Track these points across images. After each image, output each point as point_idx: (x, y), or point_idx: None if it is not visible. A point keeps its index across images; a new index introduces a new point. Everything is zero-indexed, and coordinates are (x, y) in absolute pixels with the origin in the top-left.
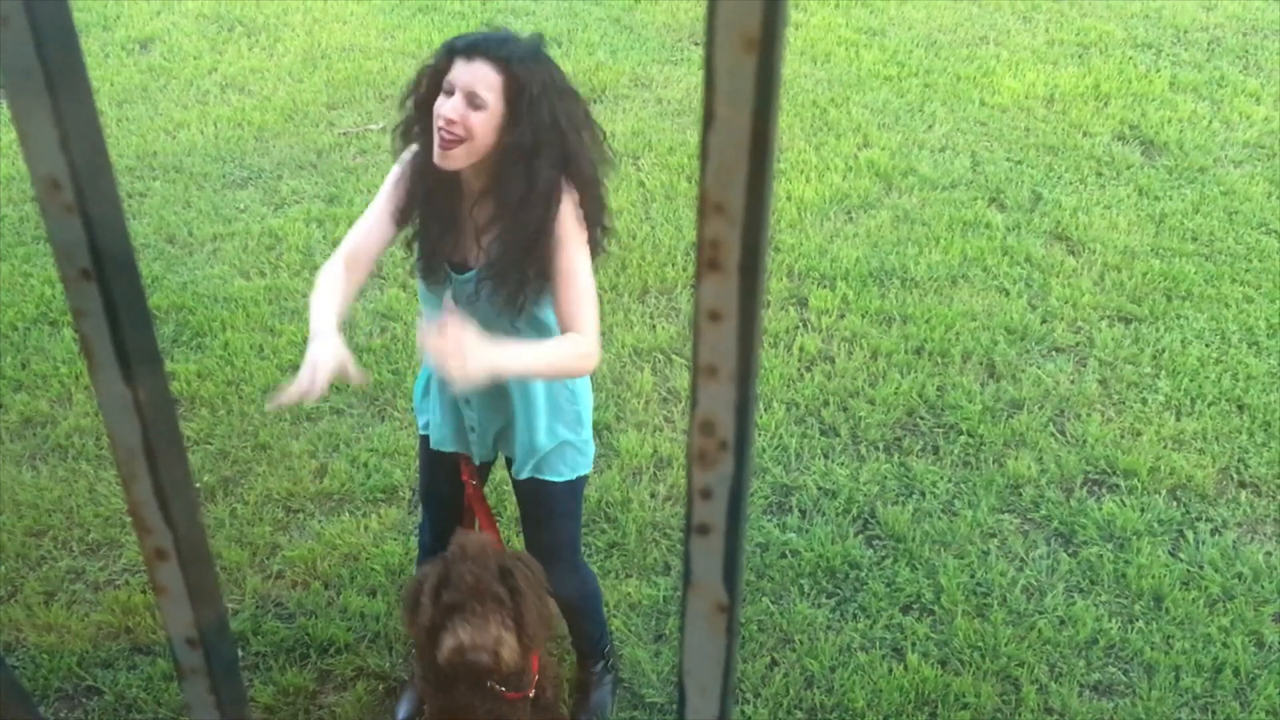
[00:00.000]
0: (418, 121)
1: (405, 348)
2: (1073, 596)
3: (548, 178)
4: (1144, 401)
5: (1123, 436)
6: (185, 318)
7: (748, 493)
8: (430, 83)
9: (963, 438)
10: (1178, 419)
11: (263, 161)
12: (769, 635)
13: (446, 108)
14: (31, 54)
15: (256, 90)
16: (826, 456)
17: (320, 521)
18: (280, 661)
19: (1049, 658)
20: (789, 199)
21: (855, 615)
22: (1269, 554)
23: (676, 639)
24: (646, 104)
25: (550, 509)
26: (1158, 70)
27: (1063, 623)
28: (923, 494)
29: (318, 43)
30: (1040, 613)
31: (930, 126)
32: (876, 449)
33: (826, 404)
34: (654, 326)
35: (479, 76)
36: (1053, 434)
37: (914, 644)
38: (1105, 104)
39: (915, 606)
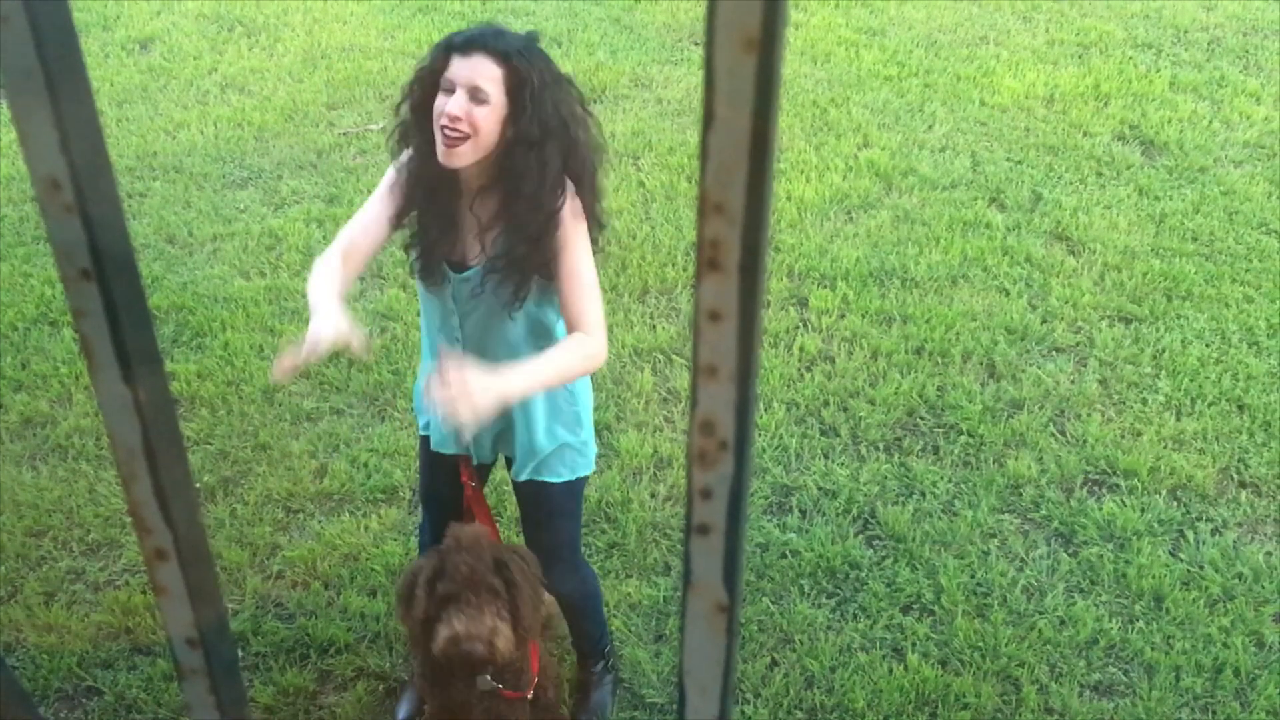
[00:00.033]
0: (415, 125)
1: (405, 348)
2: (1073, 597)
3: (556, 167)
4: (1144, 401)
5: (1123, 436)
6: (185, 318)
7: (748, 493)
8: (427, 83)
9: (963, 438)
10: (1178, 419)
11: (263, 162)
12: (769, 635)
13: (450, 105)
14: (31, 54)
15: (256, 90)
16: (827, 457)
17: (320, 522)
18: (280, 662)
19: (1049, 658)
20: (789, 199)
21: (855, 615)
22: (1269, 554)
23: (677, 639)
24: (646, 104)
25: (550, 510)
26: (1158, 70)
27: (1063, 623)
28: (923, 494)
29: (318, 43)
30: (1040, 613)
31: (930, 126)
32: (877, 449)
33: (827, 404)
34: (654, 326)
35: (480, 71)
36: (1053, 434)
37: (914, 644)
38: (1105, 104)
39: (915, 607)
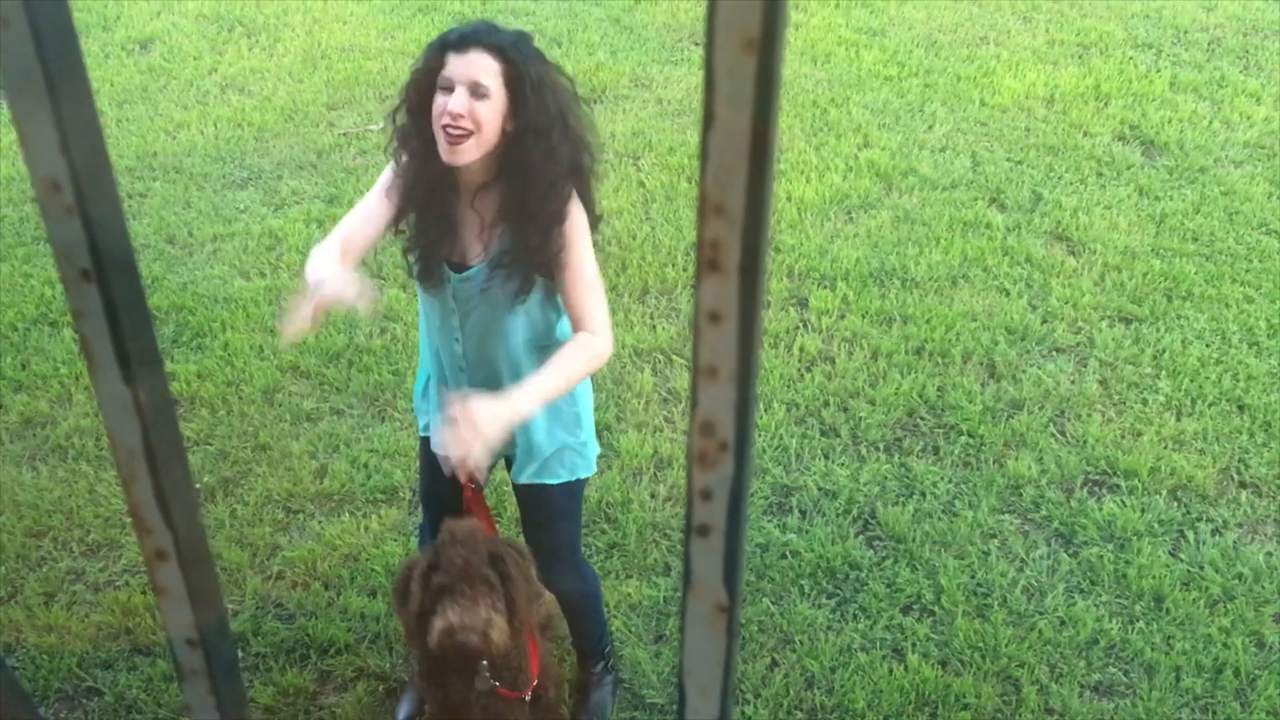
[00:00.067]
0: (414, 128)
1: (405, 348)
2: (1073, 597)
3: (564, 155)
4: (1144, 402)
5: (1123, 437)
6: (185, 318)
7: (748, 493)
8: (424, 84)
9: (963, 438)
10: (1178, 419)
11: (263, 162)
12: (769, 636)
13: (451, 103)
14: (31, 55)
15: (256, 91)
16: (827, 457)
17: (320, 522)
18: (280, 662)
19: (1049, 658)
20: (789, 199)
21: (855, 616)
22: (1269, 554)
23: (677, 639)
24: (646, 104)
25: (550, 511)
26: (1158, 70)
27: (1063, 623)
28: (923, 494)
29: (318, 43)
30: (1041, 613)
31: (930, 127)
32: (877, 449)
33: (827, 404)
34: (654, 327)
35: (479, 66)
36: (1053, 434)
37: (914, 644)
38: (1105, 104)
39: (915, 607)
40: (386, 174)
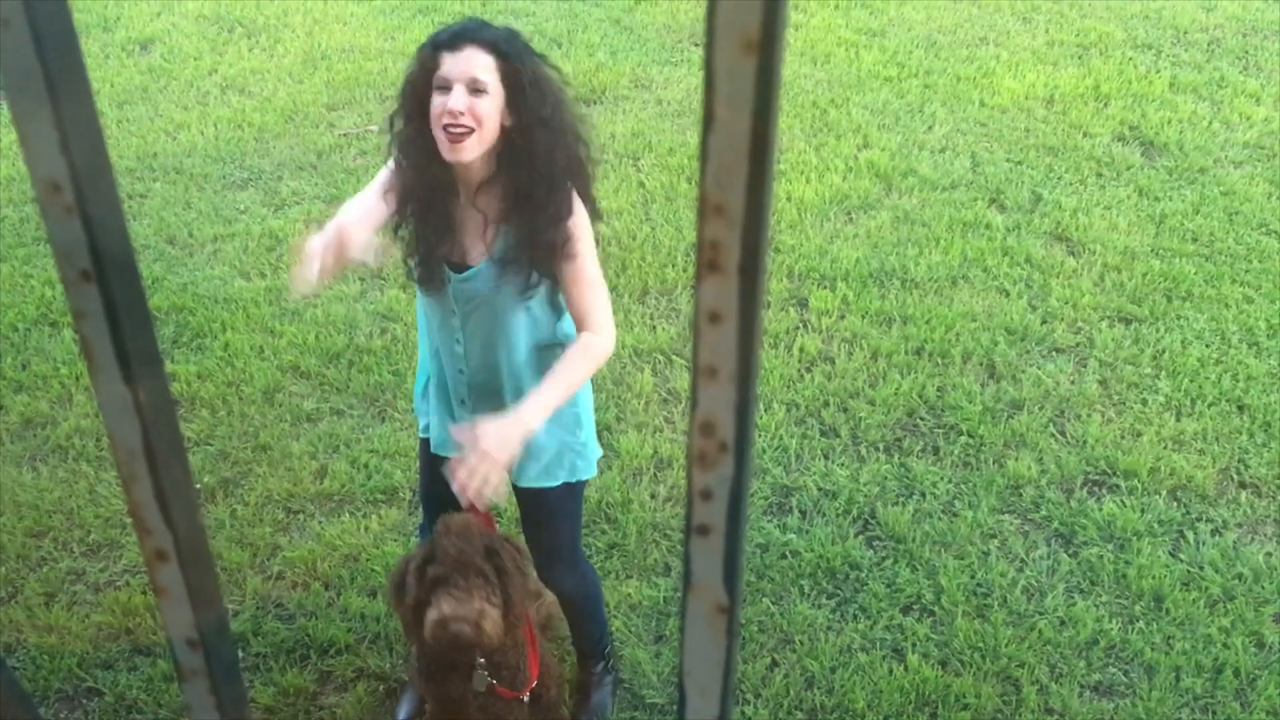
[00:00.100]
0: (414, 132)
1: (405, 348)
2: (1073, 597)
3: (568, 144)
4: (1144, 402)
5: (1123, 437)
6: (185, 319)
7: (748, 494)
8: (420, 86)
9: (963, 438)
10: (1178, 419)
11: (263, 163)
12: (769, 636)
13: (451, 102)
14: (32, 56)
15: (257, 91)
16: (827, 457)
17: (320, 522)
18: (281, 662)
19: (1049, 658)
20: (789, 200)
21: (855, 616)
22: (1269, 554)
23: (677, 640)
24: (646, 105)
25: (550, 511)
26: (1158, 71)
27: (1063, 623)
28: (923, 495)
29: (318, 44)
30: (1040, 613)
31: (930, 127)
32: (877, 450)
33: (827, 405)
34: (654, 327)
35: (474, 63)
36: (1053, 435)
37: (914, 645)
38: (1105, 105)
39: (915, 607)
40: (383, 174)
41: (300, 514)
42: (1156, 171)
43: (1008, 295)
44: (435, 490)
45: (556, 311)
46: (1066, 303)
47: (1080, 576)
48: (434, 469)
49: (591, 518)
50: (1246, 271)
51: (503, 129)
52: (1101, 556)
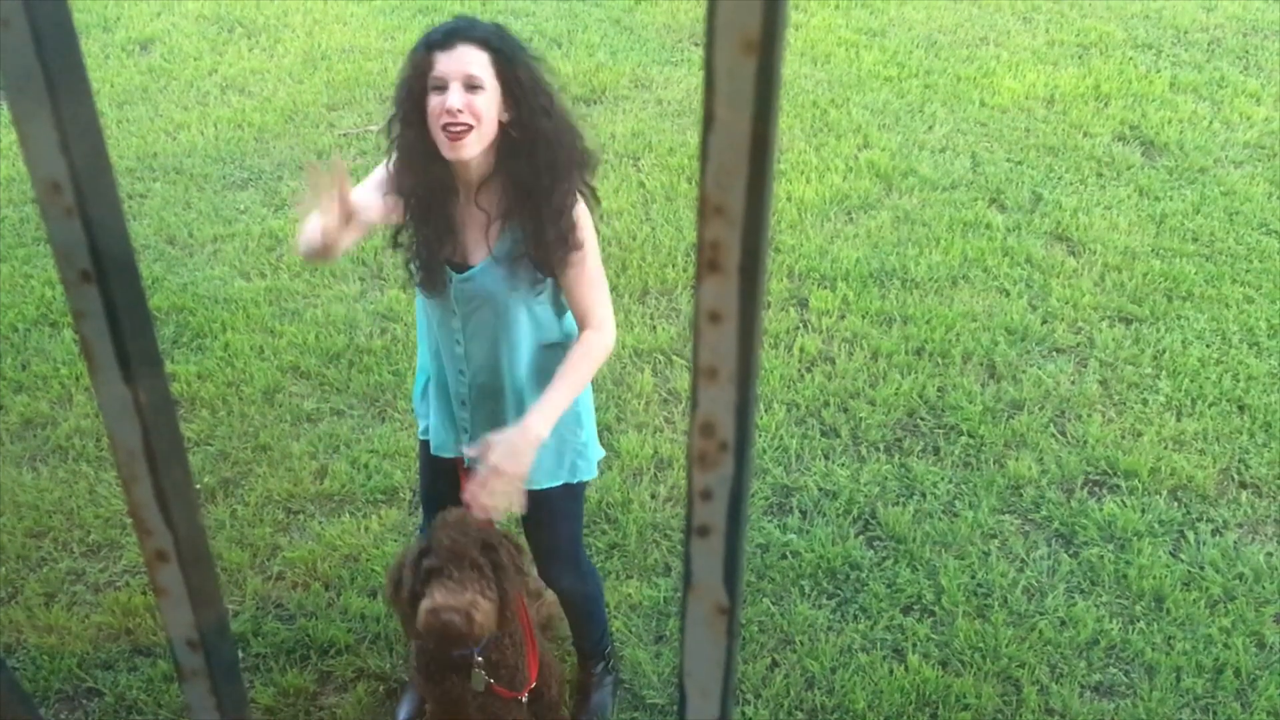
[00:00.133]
0: (413, 135)
1: (405, 348)
2: (1073, 597)
3: (569, 135)
4: (1145, 402)
5: (1123, 437)
6: (185, 319)
7: (748, 494)
8: (415, 88)
9: (963, 438)
10: (1178, 420)
11: (263, 163)
12: (770, 636)
13: (449, 100)
14: (32, 56)
15: (257, 91)
16: (827, 457)
17: (321, 523)
18: (281, 663)
19: (1050, 659)
20: (789, 200)
21: (856, 616)
22: (1270, 555)
23: (677, 640)
24: (646, 105)
25: (550, 511)
26: (1158, 71)
27: (1063, 623)
28: (923, 495)
29: (318, 44)
30: (1041, 613)
31: (930, 127)
32: (877, 450)
33: (827, 405)
34: (654, 328)
35: (469, 60)
36: (1053, 435)
37: (915, 645)
38: (1105, 105)
39: (916, 607)
40: (379, 171)
41: (300, 514)
42: (1157, 171)
43: (1008, 295)
44: (435, 491)
45: (559, 310)
46: (1067, 303)
47: (1081, 577)
48: (434, 470)
49: (592, 518)
50: (1247, 271)
51: (501, 124)
52: (1102, 557)
